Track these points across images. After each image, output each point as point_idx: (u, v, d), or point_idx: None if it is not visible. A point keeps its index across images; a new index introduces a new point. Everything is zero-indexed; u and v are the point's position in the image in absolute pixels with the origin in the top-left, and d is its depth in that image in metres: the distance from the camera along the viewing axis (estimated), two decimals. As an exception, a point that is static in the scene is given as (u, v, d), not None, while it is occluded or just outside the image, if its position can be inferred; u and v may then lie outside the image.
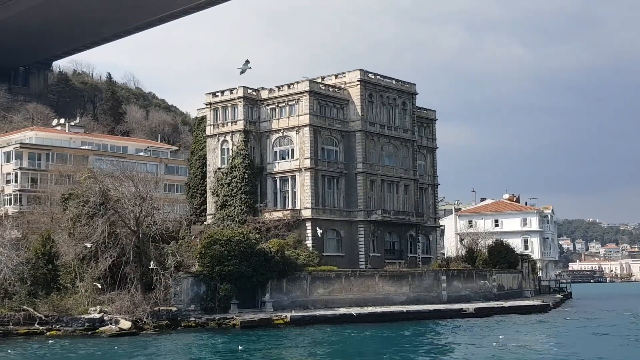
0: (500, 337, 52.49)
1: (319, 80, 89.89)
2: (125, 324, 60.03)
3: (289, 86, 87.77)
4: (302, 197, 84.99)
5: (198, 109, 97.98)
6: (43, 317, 59.52)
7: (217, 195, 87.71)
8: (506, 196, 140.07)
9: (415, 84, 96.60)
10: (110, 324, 60.06)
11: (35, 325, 59.03)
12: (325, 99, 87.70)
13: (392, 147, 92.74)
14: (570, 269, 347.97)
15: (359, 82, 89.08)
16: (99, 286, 63.04)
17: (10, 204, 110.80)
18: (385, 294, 78.13)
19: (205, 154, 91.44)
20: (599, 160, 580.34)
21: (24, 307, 60.12)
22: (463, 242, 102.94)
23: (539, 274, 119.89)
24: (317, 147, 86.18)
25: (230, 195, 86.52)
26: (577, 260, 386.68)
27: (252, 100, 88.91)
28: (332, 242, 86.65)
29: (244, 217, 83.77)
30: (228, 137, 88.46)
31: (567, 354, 45.02)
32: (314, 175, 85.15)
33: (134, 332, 59.17)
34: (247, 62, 77.53)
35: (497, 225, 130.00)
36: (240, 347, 47.52)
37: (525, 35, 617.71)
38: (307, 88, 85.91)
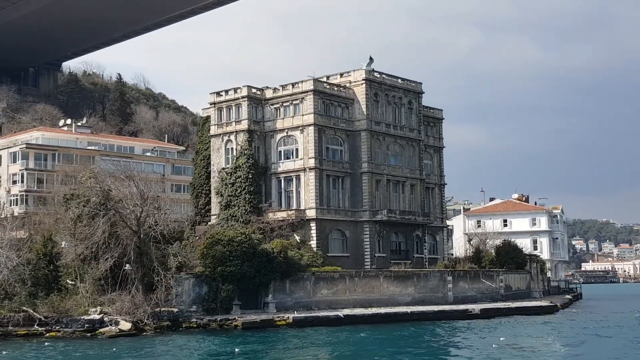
0: (500, 338, 51.60)
1: (324, 79, 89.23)
2: (125, 325, 59.52)
3: (293, 85, 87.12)
4: (307, 197, 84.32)
5: (203, 109, 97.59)
6: (42, 318, 59.17)
7: (221, 195, 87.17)
8: (515, 196, 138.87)
9: (421, 83, 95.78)
10: (110, 325, 59.58)
11: (35, 326, 58.69)
12: (330, 98, 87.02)
13: (397, 146, 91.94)
14: (583, 269, 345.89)
15: (364, 81, 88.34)
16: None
17: (17, 204, 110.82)
18: (390, 295, 77.35)
19: (210, 154, 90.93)
20: (613, 160, 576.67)
21: (24, 308, 59.77)
22: (471, 242, 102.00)
23: (548, 274, 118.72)
24: (322, 147, 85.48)
25: (234, 195, 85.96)
26: (590, 261, 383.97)
27: (257, 100, 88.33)
28: (337, 242, 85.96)
29: (248, 217, 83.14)
30: (232, 137, 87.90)
31: (566, 356, 44.16)
32: (319, 175, 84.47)
33: (134, 333, 58.72)
34: (371, 59, 78.76)
35: (505, 225, 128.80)
36: (236, 350, 46.86)
37: (538, 35, 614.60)
38: (312, 87, 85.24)
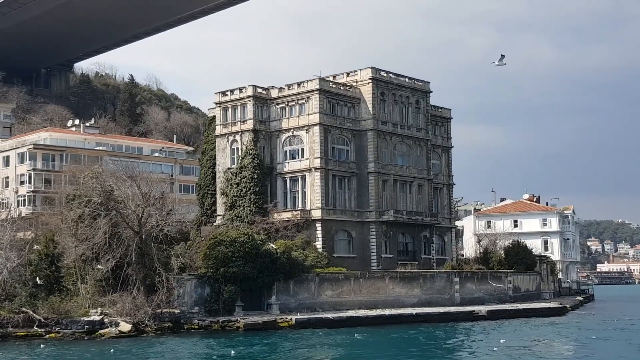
0: (501, 341, 50.51)
1: (330, 78, 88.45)
2: (125, 327, 59.00)
3: (298, 85, 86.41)
4: (312, 197, 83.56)
5: (209, 109, 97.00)
6: (42, 320, 58.63)
7: (227, 195, 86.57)
8: (526, 196, 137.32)
9: (429, 82, 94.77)
10: (110, 326, 59.07)
11: (35, 327, 58.22)
12: (335, 98, 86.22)
13: (405, 146, 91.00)
14: (598, 270, 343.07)
15: (370, 80, 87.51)
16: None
17: (24, 205, 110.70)
18: (395, 296, 76.48)
19: (216, 154, 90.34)
20: (630, 161, 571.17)
21: (24, 309, 59.28)
22: (480, 243, 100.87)
23: (559, 275, 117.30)
24: (328, 147, 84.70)
25: (239, 195, 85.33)
26: (606, 262, 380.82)
27: (262, 99, 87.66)
28: (343, 243, 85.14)
29: (253, 217, 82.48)
30: (237, 137, 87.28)
31: (565, 359, 43.15)
32: (324, 175, 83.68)
33: (134, 335, 58.18)
34: (502, 56, 78.05)
35: (516, 226, 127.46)
36: (232, 352, 46.10)
37: (553, 35, 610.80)
38: (317, 86, 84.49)
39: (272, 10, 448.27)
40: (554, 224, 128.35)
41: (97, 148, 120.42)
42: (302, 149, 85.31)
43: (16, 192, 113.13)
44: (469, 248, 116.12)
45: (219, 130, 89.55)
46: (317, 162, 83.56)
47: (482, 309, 75.90)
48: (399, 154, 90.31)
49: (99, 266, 62.95)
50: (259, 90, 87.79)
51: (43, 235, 69.75)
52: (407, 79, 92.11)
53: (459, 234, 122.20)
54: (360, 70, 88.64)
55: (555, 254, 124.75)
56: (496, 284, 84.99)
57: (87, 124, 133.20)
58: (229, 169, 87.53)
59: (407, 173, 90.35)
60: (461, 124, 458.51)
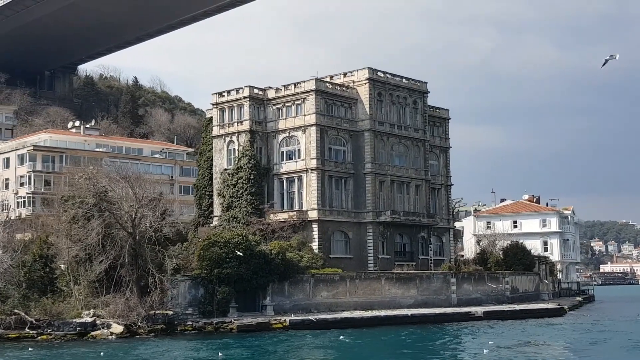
0: (489, 342, 50.12)
1: (328, 79, 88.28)
2: (117, 328, 58.99)
3: (295, 85, 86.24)
4: (309, 198, 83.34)
5: (207, 110, 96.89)
6: (34, 322, 58.57)
7: (223, 196, 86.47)
8: (525, 197, 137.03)
9: (426, 83, 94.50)
10: (102, 328, 59.05)
11: (27, 329, 58.16)
12: (332, 98, 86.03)
13: (402, 146, 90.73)
14: (601, 270, 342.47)
15: (367, 81, 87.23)
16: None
17: (24, 206, 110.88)
18: (391, 297, 76.27)
19: (213, 155, 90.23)
20: (633, 161, 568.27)
21: (16, 310, 59.24)
22: (480, 244, 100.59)
23: (559, 276, 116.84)
24: (324, 147, 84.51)
25: (236, 196, 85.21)
26: (609, 262, 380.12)
27: (259, 100, 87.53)
28: (340, 243, 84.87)
29: (249, 218, 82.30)
30: (234, 138, 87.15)
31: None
32: (321, 176, 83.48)
33: (126, 336, 58.12)
34: (612, 56, 76.95)
35: (515, 226, 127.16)
36: (220, 354, 45.89)
37: (555, 36, 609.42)
38: (314, 87, 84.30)
39: (274, 12, 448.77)
40: (553, 225, 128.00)
41: (97, 149, 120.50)
42: (299, 150, 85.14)
43: (16, 193, 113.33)
44: (469, 249, 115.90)
45: (215, 131, 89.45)
46: (313, 163, 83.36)
47: (479, 310, 75.63)
48: (396, 155, 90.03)
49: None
50: (256, 91, 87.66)
51: (37, 236, 69.76)
52: (404, 80, 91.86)
53: (459, 234, 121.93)
54: (357, 70, 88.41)
55: (554, 255, 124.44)
56: (494, 285, 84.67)
57: (88, 126, 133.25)
58: (225, 169, 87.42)
59: (404, 173, 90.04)
60: (462, 124, 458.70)
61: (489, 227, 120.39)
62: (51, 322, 59.09)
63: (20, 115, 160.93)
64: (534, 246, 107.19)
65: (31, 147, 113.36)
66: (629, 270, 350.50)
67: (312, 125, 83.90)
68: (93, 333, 58.43)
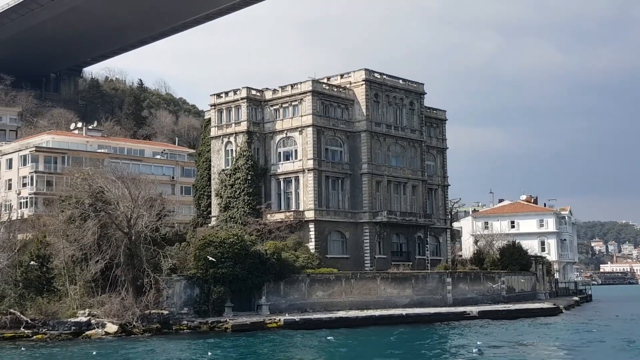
0: (478, 342, 50.41)
1: (324, 80, 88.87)
2: (112, 328, 59.60)
3: (292, 86, 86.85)
4: (306, 198, 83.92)
5: (205, 111, 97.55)
6: (29, 321, 59.30)
7: (221, 197, 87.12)
8: (523, 197, 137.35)
9: (423, 84, 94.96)
10: (97, 327, 59.66)
11: (22, 329, 58.87)
12: (329, 99, 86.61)
13: (399, 147, 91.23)
14: (601, 270, 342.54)
15: (364, 82, 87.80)
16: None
17: (27, 207, 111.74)
18: (387, 297, 76.77)
19: (211, 156, 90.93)
20: (633, 162, 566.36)
21: (11, 310, 59.98)
22: (477, 244, 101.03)
23: (556, 276, 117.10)
24: (321, 148, 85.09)
25: (233, 196, 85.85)
26: (609, 262, 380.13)
27: (256, 101, 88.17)
28: (337, 244, 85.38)
29: (246, 218, 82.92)
30: (232, 139, 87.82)
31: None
32: (318, 176, 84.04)
33: (121, 335, 58.74)
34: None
35: (513, 226, 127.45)
36: (209, 354, 46.40)
37: (558, 38, 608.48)
38: (310, 88, 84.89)
39: (276, 15, 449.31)
40: (550, 225, 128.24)
41: (99, 150, 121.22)
42: (296, 150, 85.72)
43: (18, 194, 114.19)
44: (466, 249, 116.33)
45: (213, 132, 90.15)
46: (310, 164, 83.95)
47: (474, 309, 76.02)
48: (393, 155, 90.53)
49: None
50: (253, 92, 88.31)
51: (35, 236, 70.54)
52: (401, 81, 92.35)
53: (457, 235, 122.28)
54: (354, 72, 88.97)
55: (552, 255, 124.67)
56: (490, 285, 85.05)
57: (90, 127, 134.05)
58: (223, 170, 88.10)
59: (401, 174, 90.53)
60: (463, 126, 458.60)
61: (486, 228, 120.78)
62: (46, 322, 59.82)
63: (25, 117, 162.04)
64: (531, 246, 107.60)
65: (33, 148, 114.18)
66: (629, 270, 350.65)
67: (308, 126, 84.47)
68: (88, 332, 59.02)
